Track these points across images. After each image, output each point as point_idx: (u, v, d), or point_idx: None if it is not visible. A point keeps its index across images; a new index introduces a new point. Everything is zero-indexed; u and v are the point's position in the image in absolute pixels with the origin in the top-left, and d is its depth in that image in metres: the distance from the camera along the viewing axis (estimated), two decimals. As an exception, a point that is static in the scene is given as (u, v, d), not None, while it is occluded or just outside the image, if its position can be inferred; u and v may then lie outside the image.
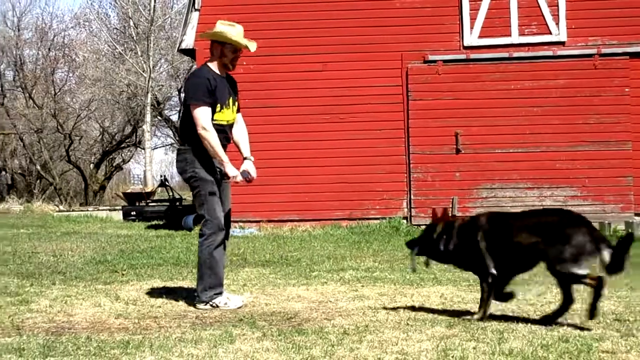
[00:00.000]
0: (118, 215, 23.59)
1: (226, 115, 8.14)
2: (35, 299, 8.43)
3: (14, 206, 29.44)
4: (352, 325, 6.88)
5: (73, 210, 27.16)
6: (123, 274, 10.44)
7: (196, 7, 18.52)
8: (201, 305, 7.97)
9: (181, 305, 8.18)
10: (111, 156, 44.81)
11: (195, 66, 23.89)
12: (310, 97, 18.28)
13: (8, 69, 41.70)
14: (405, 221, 17.92)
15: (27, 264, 11.47)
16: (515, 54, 18.21)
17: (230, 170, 7.97)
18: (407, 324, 6.92)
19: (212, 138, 7.85)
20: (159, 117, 39.90)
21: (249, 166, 8.22)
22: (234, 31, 8.12)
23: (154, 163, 36.15)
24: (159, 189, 27.33)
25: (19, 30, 41.06)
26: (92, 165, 43.20)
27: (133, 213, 22.46)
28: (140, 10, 35.45)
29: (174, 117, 41.56)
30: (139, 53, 35.14)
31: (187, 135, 8.10)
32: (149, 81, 34.26)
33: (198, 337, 6.42)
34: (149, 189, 27.48)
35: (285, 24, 18.41)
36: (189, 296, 8.42)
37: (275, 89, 18.29)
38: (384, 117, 18.23)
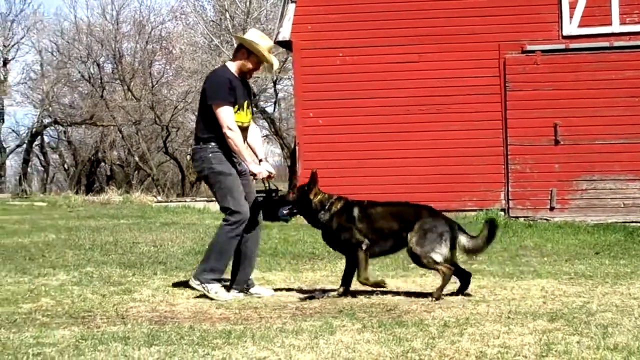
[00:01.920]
0: (215, 207, 23.78)
1: (241, 117, 8.29)
2: (137, 289, 8.59)
3: (114, 197, 29.92)
4: (452, 317, 6.85)
5: (171, 201, 27.55)
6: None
7: (292, -1, 18.61)
8: (195, 283, 8.11)
9: (280, 295, 8.24)
10: (208, 148, 45.28)
11: (291, 58, 24.02)
12: (406, 89, 18.18)
13: (107, 61, 42.48)
14: (502, 213, 17.71)
15: (128, 254, 11.68)
16: (616, 44, 17.82)
17: (254, 168, 8.21)
18: (508, 317, 6.85)
19: (237, 138, 8.07)
20: (255, 109, 40.12)
21: (267, 166, 8.44)
22: (264, 44, 8.32)
23: (249, 154, 36.33)
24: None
25: (117, 23, 41.75)
26: (188, 157, 43.72)
27: (229, 204, 22.61)
28: (237, 2, 35.72)
29: (269, 109, 41.80)
30: (235, 45, 35.41)
31: (204, 133, 8.27)
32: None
33: (299, 328, 6.46)
34: (245, 180, 27.60)
35: (381, 15, 18.35)
36: (288, 287, 8.48)
37: (371, 81, 18.25)
38: (481, 108, 18.05)
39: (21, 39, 43.75)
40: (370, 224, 8.20)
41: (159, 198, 30.59)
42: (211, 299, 7.96)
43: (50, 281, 9.19)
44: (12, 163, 46.69)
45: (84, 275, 9.55)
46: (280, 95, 41.27)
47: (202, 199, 27.97)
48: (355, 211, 8.26)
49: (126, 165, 45.51)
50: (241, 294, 8.26)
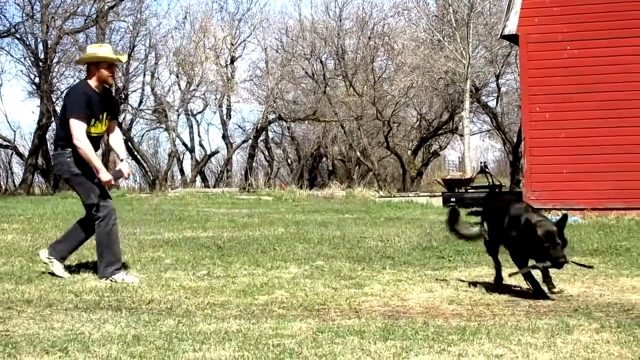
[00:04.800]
0: (438, 202, 23.81)
1: (97, 128, 9.11)
2: (368, 283, 8.68)
3: (337, 192, 30.47)
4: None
5: (394, 196, 27.73)
6: (450, 260, 10.52)
7: (520, -8, 18.28)
8: (103, 281, 8.80)
9: (512, 292, 8.11)
10: (428, 143, 45.31)
11: (516, 51, 23.65)
12: (637, 82, 17.50)
13: (330, 58, 43.21)
14: None
15: (356, 249, 11.81)
16: None
17: (103, 175, 8.95)
18: None
19: (86, 147, 8.85)
20: (477, 104, 39.79)
21: (122, 166, 9.36)
22: (102, 50, 9.20)
23: (470, 149, 36.09)
24: (478, 175, 27.35)
25: (340, 20, 42.34)
26: (409, 152, 43.90)
27: (453, 199, 22.57)
28: (459, -4, 35.60)
29: (492, 104, 41.36)
30: (458, 40, 35.21)
31: (62, 140, 9.09)
32: (467, 68, 34.29)
33: (534, 326, 6.34)
34: (468, 176, 27.52)
35: (608, 7, 17.73)
36: (517, 283, 8.34)
37: (600, 74, 17.66)
38: None
39: (247, 37, 45.13)
40: None
41: (381, 193, 30.84)
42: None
43: (283, 274, 9.43)
44: (238, 158, 48.27)
45: (315, 269, 9.75)
46: (502, 89, 40.74)
47: (424, 194, 28.00)
48: None
49: (347, 160, 46.15)
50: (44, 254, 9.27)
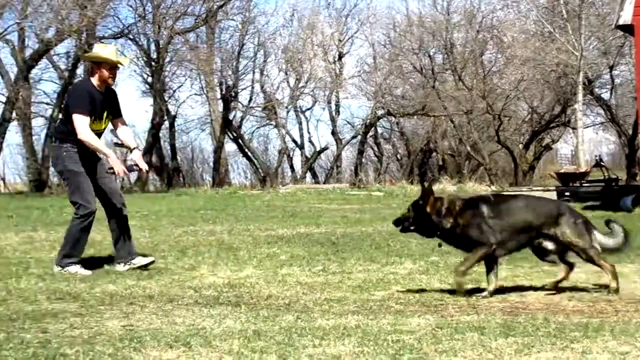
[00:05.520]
0: (552, 196, 23.40)
1: (97, 125, 9.53)
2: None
3: (448, 187, 30.25)
4: None
5: (506, 191, 27.40)
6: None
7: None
8: (57, 269, 9.34)
9: (633, 288, 7.94)
10: (540, 136, 44.59)
11: (630, 42, 23.10)
12: None
13: (438, 52, 42.90)
14: None
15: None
16: None
17: (114, 161, 9.43)
18: None
19: (91, 139, 9.33)
20: (590, 96, 38.99)
21: (134, 155, 9.78)
22: (105, 51, 9.65)
23: (584, 143, 35.43)
24: (593, 169, 26.82)
25: (448, 14, 42.06)
26: (520, 146, 43.32)
27: (567, 193, 22.15)
28: (571, -13, 34.95)
29: (605, 95, 40.49)
30: (569, 31, 34.55)
31: (62, 134, 9.59)
32: (580, 60, 33.63)
33: (660, 323, 6.20)
34: (583, 169, 27.01)
35: None
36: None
37: None
38: None
39: (355, 33, 45.19)
40: None
41: (493, 188, 30.54)
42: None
43: (398, 270, 9.43)
44: (348, 154, 48.32)
45: (430, 265, 9.72)
46: (616, 81, 39.86)
47: (537, 188, 27.58)
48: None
49: (457, 155, 45.80)
50: (120, 266, 9.62)
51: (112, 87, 9.96)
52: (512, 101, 41.41)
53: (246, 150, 42.51)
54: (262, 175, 41.58)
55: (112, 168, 9.48)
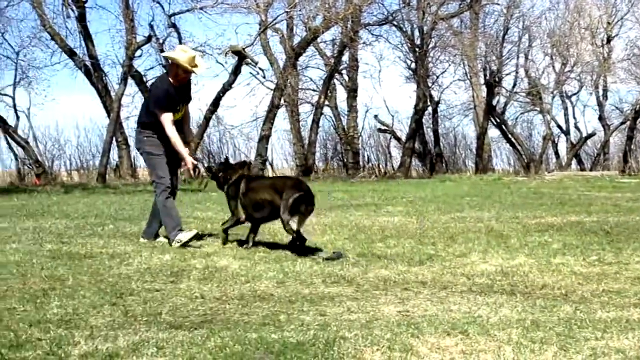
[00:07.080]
0: None
1: (175, 116, 10.49)
2: None
3: None
4: None
5: None
6: None
7: None
8: (176, 246, 10.17)
9: None
10: None
11: None
12: None
13: None
14: None
15: None
16: None
17: (187, 161, 10.44)
18: None
19: (176, 139, 10.35)
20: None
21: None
22: (185, 57, 10.39)
23: None
24: None
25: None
26: None
27: None
28: None
29: None
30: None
31: (142, 122, 10.65)
32: None
33: None
34: None
35: None
36: None
37: None
38: None
39: (625, 15, 43.43)
40: None
41: None
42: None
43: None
44: (616, 140, 46.59)
45: None
46: None
47: None
48: None
49: None
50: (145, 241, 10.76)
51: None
52: None
53: (510, 136, 41.95)
54: (525, 161, 40.92)
55: (185, 164, 10.56)
